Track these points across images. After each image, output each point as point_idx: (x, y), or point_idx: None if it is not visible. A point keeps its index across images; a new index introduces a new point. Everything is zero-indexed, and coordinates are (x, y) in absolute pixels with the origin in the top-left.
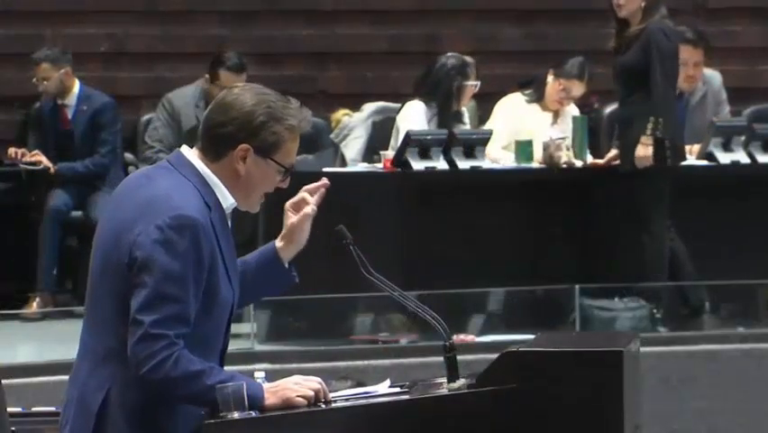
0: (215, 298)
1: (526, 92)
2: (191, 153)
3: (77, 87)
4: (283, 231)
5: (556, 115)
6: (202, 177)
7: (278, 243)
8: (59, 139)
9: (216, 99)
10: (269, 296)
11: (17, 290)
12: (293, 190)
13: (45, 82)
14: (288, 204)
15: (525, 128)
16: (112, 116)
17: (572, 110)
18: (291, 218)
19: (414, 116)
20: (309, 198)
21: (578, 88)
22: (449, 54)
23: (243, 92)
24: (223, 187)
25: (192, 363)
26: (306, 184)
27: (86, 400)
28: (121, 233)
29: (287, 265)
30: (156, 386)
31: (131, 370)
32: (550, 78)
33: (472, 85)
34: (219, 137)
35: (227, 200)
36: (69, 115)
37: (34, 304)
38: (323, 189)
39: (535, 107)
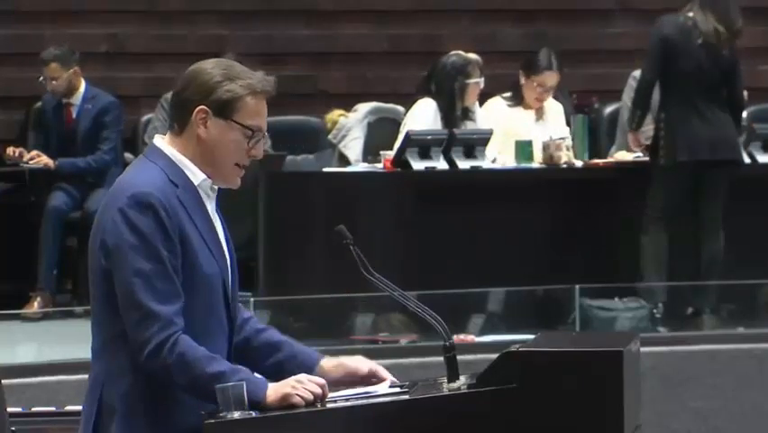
0: (195, 273)
1: (505, 95)
2: (161, 139)
3: (83, 86)
4: (339, 366)
5: (539, 111)
6: (168, 158)
7: (326, 363)
8: (61, 137)
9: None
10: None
11: (17, 289)
12: (295, 190)
13: (54, 82)
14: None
15: (511, 130)
16: (116, 116)
17: (553, 104)
18: (366, 364)
19: (423, 115)
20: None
21: (551, 79)
22: (451, 53)
23: (206, 62)
24: (191, 164)
25: (191, 349)
26: (307, 184)
27: (88, 398)
28: (95, 228)
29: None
30: (155, 372)
31: (125, 362)
32: (523, 80)
33: (475, 82)
34: (179, 105)
35: (198, 177)
36: (74, 114)
37: (35, 304)
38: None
39: (517, 108)
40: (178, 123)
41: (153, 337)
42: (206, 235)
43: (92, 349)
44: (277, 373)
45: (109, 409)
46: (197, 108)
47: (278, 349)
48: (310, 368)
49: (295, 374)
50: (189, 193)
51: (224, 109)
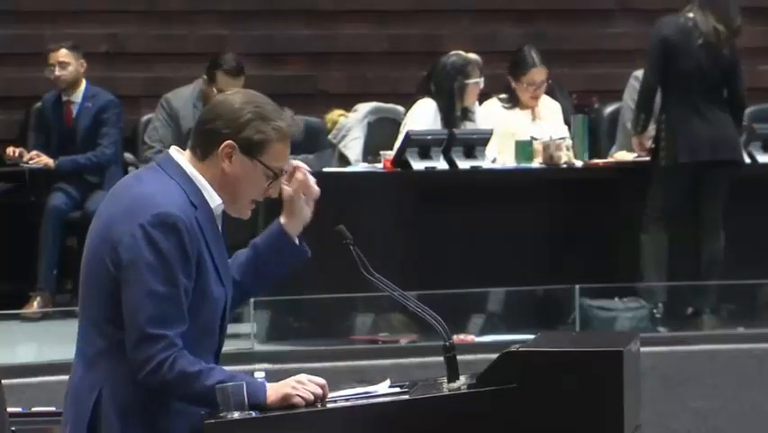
0: (205, 296)
1: (501, 96)
2: (179, 154)
3: (83, 84)
4: (284, 206)
5: (535, 111)
6: (188, 177)
7: (282, 219)
8: (61, 136)
9: (211, 101)
10: (282, 274)
11: (17, 289)
12: None
13: (63, 70)
14: (283, 178)
15: (509, 130)
16: (115, 114)
17: (549, 103)
18: (287, 189)
19: (423, 115)
20: (303, 167)
21: (539, 75)
22: (451, 53)
23: (236, 94)
24: (209, 187)
25: (191, 364)
26: None
27: (79, 401)
28: (106, 234)
29: (296, 240)
30: (155, 388)
31: (127, 371)
32: (513, 84)
33: (475, 83)
34: (206, 134)
35: (214, 200)
36: (74, 112)
37: (35, 304)
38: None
39: (514, 110)
40: (202, 150)
41: (154, 357)
42: (217, 258)
43: (84, 354)
44: (273, 272)
45: (106, 416)
46: (226, 143)
47: (253, 263)
48: (284, 239)
49: (275, 258)
50: (205, 215)
51: (253, 149)
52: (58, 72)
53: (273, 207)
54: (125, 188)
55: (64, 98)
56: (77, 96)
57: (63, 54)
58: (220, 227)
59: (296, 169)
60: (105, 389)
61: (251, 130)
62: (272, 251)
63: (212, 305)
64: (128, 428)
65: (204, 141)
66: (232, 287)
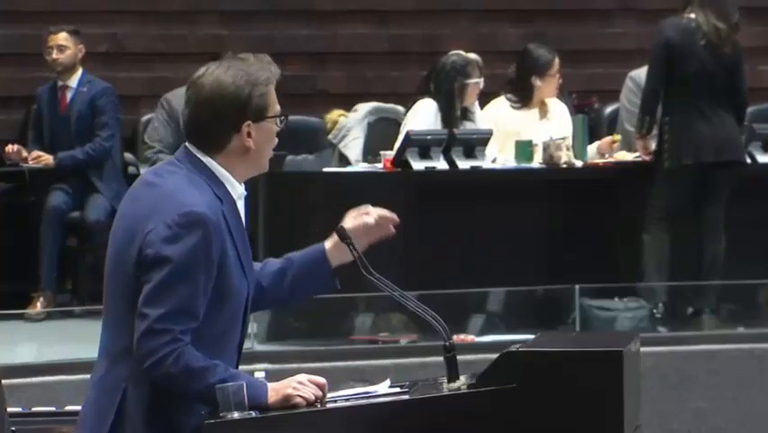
0: (228, 292)
1: (508, 95)
2: (197, 150)
3: (80, 70)
4: (337, 233)
5: (543, 112)
6: (210, 170)
7: (328, 244)
8: (55, 122)
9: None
10: (304, 296)
11: (18, 289)
12: (295, 190)
13: (62, 53)
14: (351, 211)
15: (513, 129)
16: (110, 101)
17: (557, 104)
18: (348, 222)
19: (423, 115)
20: (373, 212)
21: (558, 64)
22: (451, 53)
23: (214, 77)
24: (231, 178)
25: (195, 360)
26: (307, 184)
27: (102, 399)
28: (132, 232)
29: (332, 271)
30: (158, 382)
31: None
32: (539, 82)
33: (475, 82)
34: (217, 128)
35: (237, 190)
36: (68, 98)
37: (38, 304)
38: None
39: (522, 110)
40: (220, 143)
41: (157, 350)
42: (241, 250)
43: (110, 350)
44: (298, 291)
45: (131, 416)
46: (243, 127)
47: (283, 275)
48: (323, 265)
49: (304, 281)
50: (230, 208)
51: (262, 113)
52: (55, 55)
53: (272, 206)
54: (148, 187)
55: (59, 83)
56: (73, 81)
57: (62, 38)
58: (243, 213)
59: (367, 212)
60: (129, 388)
61: (254, 101)
62: (306, 273)
63: (235, 298)
64: (153, 427)
65: (218, 136)
66: (254, 278)
